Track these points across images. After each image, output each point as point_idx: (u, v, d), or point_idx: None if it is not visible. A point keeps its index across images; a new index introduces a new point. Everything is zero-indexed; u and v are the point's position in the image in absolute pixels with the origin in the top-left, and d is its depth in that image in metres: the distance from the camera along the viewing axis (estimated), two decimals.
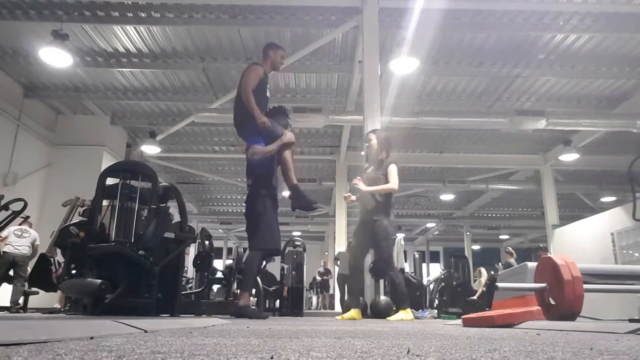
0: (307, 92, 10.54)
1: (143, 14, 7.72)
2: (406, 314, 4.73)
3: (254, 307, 4.78)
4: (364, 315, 6.09)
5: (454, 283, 11.23)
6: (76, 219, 6.94)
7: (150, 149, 11.97)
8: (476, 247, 25.04)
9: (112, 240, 3.94)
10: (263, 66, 4.65)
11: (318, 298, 16.43)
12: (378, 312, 5.79)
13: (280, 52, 4.81)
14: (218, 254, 21.69)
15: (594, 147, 12.19)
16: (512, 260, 10.45)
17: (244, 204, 4.53)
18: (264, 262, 7.26)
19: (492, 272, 11.66)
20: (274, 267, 9.18)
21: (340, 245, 14.10)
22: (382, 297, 6.03)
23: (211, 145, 13.46)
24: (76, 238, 4.32)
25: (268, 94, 4.81)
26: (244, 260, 5.17)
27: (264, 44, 8.82)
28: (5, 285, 7.80)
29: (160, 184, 4.47)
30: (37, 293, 7.63)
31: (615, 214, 10.29)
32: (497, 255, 22.57)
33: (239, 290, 5.60)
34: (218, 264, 11.19)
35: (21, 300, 7.79)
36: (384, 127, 7.43)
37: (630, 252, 9.55)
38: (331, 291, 15.58)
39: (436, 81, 9.98)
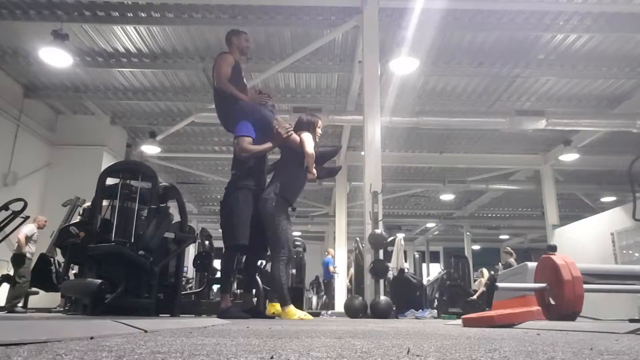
0: (307, 92, 10.54)
1: (143, 14, 7.72)
2: (287, 313, 4.15)
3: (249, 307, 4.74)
4: (364, 315, 6.08)
5: (447, 283, 11.24)
6: (76, 219, 6.95)
7: (150, 149, 11.96)
8: (476, 247, 25.03)
9: (112, 240, 3.94)
10: (232, 54, 4.61)
11: (318, 298, 16.42)
12: (378, 313, 5.78)
13: (243, 36, 4.75)
14: (218, 254, 21.62)
15: (594, 147, 12.20)
16: (512, 260, 10.44)
17: None
18: (264, 262, 7.25)
19: (492, 272, 11.65)
20: None
21: (341, 245, 14.11)
22: (382, 297, 6.02)
23: (211, 145, 13.46)
24: (76, 238, 4.32)
25: (245, 81, 4.76)
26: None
27: (264, 44, 8.92)
28: (5, 285, 7.81)
29: (160, 184, 4.47)
30: (37, 293, 7.64)
31: (615, 214, 10.29)
32: (497, 255, 22.54)
33: (239, 291, 5.60)
34: (218, 264, 11.18)
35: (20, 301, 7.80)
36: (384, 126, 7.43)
37: (630, 252, 9.55)
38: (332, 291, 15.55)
39: (436, 81, 9.98)
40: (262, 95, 4.62)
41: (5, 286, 7.82)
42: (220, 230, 4.40)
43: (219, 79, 4.38)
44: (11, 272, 8.37)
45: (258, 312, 4.64)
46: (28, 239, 7.84)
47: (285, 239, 4.28)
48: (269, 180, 4.59)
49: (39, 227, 8.14)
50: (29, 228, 7.88)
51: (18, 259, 7.64)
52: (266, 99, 4.61)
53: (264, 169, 4.54)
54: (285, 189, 4.34)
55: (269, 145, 4.36)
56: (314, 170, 4.32)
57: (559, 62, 9.06)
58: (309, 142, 4.33)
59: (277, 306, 4.35)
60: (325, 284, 14.37)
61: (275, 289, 4.38)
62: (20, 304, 7.65)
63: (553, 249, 10.93)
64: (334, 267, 13.64)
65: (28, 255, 7.78)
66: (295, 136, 4.40)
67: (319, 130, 4.65)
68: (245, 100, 4.42)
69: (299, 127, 4.57)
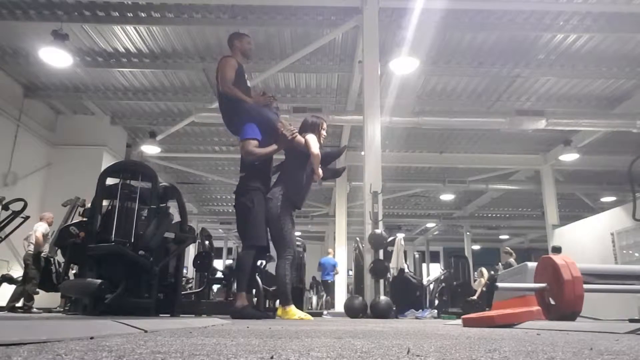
0: (307, 92, 10.54)
1: (143, 14, 7.73)
2: (287, 313, 4.19)
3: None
4: (364, 315, 6.08)
5: (454, 283, 11.23)
6: (76, 219, 6.95)
7: (150, 149, 11.97)
8: (476, 247, 25.04)
9: (112, 240, 3.93)
10: (234, 57, 4.60)
11: (319, 298, 16.41)
12: (378, 313, 5.78)
13: (245, 39, 4.74)
14: (218, 254, 21.69)
15: (594, 147, 12.20)
16: (512, 260, 10.44)
17: None
18: (264, 262, 7.24)
19: (492, 272, 11.65)
20: (274, 267, 9.19)
21: (341, 245, 14.11)
22: (382, 297, 6.02)
23: (211, 145, 13.46)
24: (76, 238, 4.32)
25: (249, 84, 4.75)
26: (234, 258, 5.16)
27: (264, 44, 8.92)
28: (5, 285, 7.80)
29: (160, 184, 4.46)
30: (37, 293, 7.64)
31: (615, 214, 10.29)
32: (497, 255, 22.58)
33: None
34: (218, 264, 11.18)
35: (20, 301, 7.78)
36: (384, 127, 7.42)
37: (630, 252, 9.54)
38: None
39: (436, 81, 9.98)
40: (266, 97, 4.60)
41: (5, 286, 7.80)
42: (238, 230, 4.42)
43: (224, 83, 4.39)
44: (12, 272, 8.37)
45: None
46: (45, 237, 7.74)
47: (290, 238, 4.31)
48: (274, 181, 4.60)
49: (49, 224, 8.03)
50: (43, 227, 7.78)
51: (36, 259, 7.56)
52: (271, 100, 4.59)
53: (269, 170, 4.55)
54: (290, 190, 4.36)
55: (274, 147, 4.35)
56: (320, 171, 4.32)
57: (559, 62, 9.06)
58: (314, 144, 4.33)
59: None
60: (328, 284, 14.33)
61: (278, 287, 4.39)
62: (30, 304, 7.59)
63: (558, 250, 10.71)
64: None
65: (43, 255, 7.69)
66: (300, 138, 4.40)
67: (323, 132, 4.65)
68: (250, 103, 4.42)
69: (304, 128, 4.58)
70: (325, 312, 12.11)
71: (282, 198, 4.29)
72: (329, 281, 14.13)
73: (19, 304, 7.63)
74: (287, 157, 4.63)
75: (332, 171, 5.00)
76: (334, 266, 13.84)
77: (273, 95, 4.78)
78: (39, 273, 7.41)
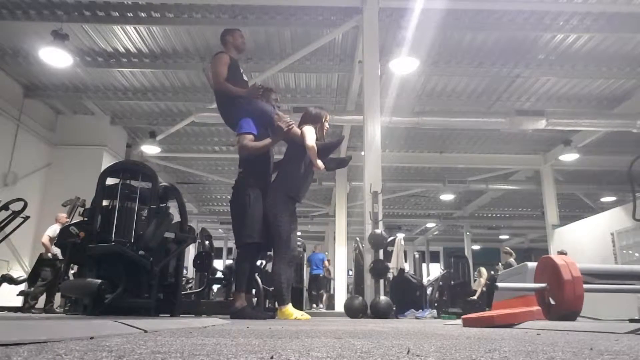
0: (307, 92, 10.54)
1: (143, 14, 7.73)
2: (284, 313, 4.17)
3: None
4: (364, 315, 6.08)
5: (452, 282, 11.25)
6: (76, 219, 6.95)
7: (150, 149, 11.96)
8: (476, 247, 25.02)
9: (112, 240, 3.93)
10: (228, 53, 4.58)
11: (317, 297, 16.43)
12: (378, 313, 5.78)
13: (237, 34, 4.73)
14: (218, 254, 21.69)
15: (594, 147, 12.19)
16: (512, 260, 10.44)
17: None
18: (264, 262, 7.24)
19: (492, 272, 11.66)
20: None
21: (341, 245, 14.11)
22: (382, 297, 6.02)
23: (211, 145, 13.46)
24: (76, 238, 4.31)
25: (245, 78, 4.71)
26: (234, 258, 5.11)
27: (264, 44, 8.92)
28: (5, 285, 7.79)
29: (160, 184, 4.46)
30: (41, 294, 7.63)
31: (615, 214, 10.29)
32: (497, 255, 22.58)
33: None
34: (218, 264, 11.18)
35: (20, 301, 7.78)
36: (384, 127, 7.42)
37: (630, 252, 9.55)
38: (332, 291, 15.58)
39: (436, 81, 9.98)
40: (258, 88, 4.49)
41: (5, 286, 7.80)
42: (233, 227, 4.34)
43: (216, 79, 4.37)
44: (12, 272, 8.36)
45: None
46: (52, 240, 7.70)
47: (288, 237, 4.21)
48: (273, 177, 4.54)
49: (62, 225, 7.97)
50: (51, 230, 7.76)
51: (39, 263, 7.54)
52: (262, 90, 4.47)
53: (268, 166, 4.48)
54: (288, 185, 4.29)
55: (269, 141, 4.28)
56: (319, 164, 4.18)
57: (559, 62, 9.05)
58: (310, 135, 4.20)
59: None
60: (319, 278, 14.28)
61: (274, 287, 4.34)
62: (31, 304, 7.58)
63: (564, 253, 10.69)
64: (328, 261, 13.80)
65: (50, 256, 7.66)
66: (296, 129, 4.30)
67: (326, 124, 4.54)
68: (244, 96, 4.36)
69: (306, 119, 4.46)
70: (320, 304, 12.14)
71: (279, 193, 4.23)
72: (320, 275, 14.09)
73: (35, 303, 7.58)
74: (287, 151, 4.54)
75: (337, 161, 4.90)
76: (322, 260, 13.87)
77: (271, 87, 4.74)
78: (45, 273, 7.42)
